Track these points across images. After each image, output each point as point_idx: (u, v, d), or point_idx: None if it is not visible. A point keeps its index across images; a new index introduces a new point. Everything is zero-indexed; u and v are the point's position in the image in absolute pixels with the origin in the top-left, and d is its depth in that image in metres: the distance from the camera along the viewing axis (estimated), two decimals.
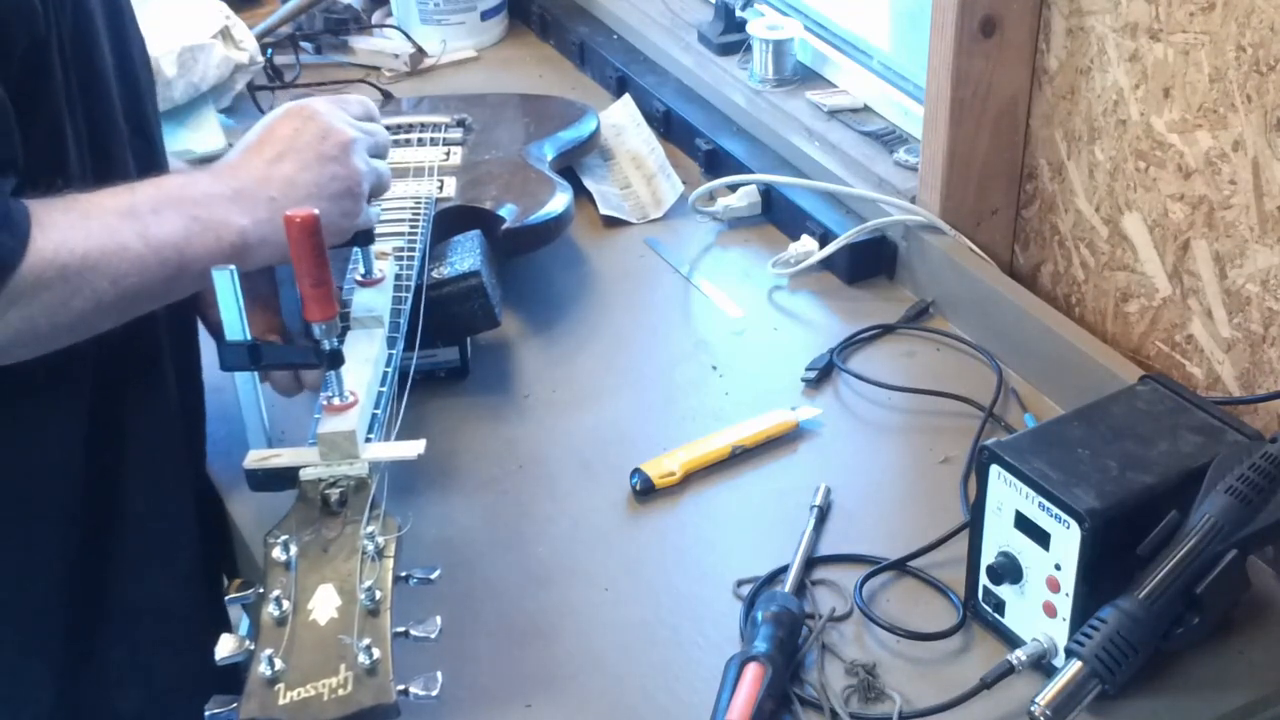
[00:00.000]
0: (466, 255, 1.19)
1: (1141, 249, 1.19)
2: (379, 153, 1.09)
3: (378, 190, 1.08)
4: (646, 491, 1.10)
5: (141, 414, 1.06)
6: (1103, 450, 0.93)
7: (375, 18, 1.82)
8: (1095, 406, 0.99)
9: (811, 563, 1.03)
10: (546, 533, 1.07)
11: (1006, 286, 1.27)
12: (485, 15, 1.81)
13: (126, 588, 1.08)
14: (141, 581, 1.09)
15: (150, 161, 1.04)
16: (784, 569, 1.02)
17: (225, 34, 1.59)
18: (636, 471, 1.11)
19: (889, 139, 1.43)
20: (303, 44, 1.76)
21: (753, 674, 0.90)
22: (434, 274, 1.16)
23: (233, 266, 0.91)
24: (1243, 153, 1.07)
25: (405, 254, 1.15)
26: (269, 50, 1.69)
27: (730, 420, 1.16)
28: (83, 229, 0.88)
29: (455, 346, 1.21)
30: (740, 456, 1.14)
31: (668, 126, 1.58)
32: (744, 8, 1.60)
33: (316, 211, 0.87)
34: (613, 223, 1.44)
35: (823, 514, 1.07)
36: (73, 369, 0.98)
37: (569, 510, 1.09)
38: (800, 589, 1.01)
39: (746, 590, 1.01)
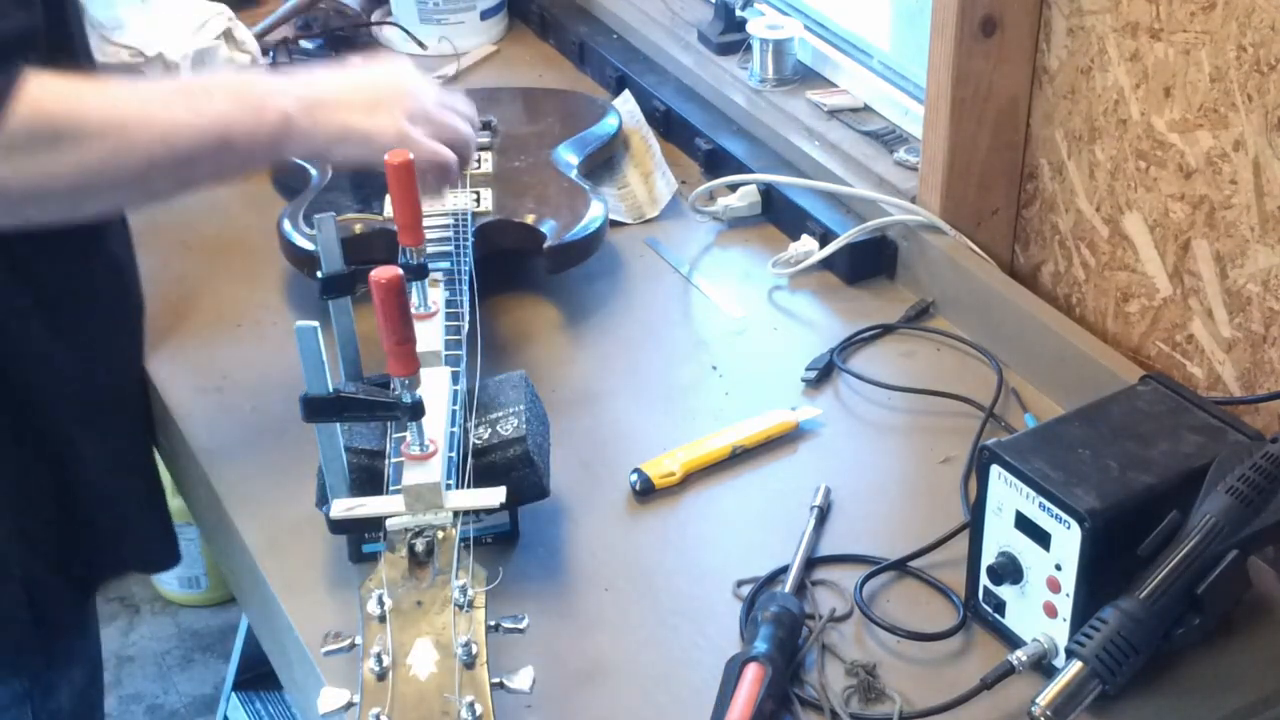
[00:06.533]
0: (511, 413, 1.03)
1: (1142, 249, 1.19)
2: (444, 136, 1.13)
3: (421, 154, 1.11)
4: (646, 491, 1.10)
5: None
6: (1103, 450, 0.93)
7: (375, 17, 1.82)
8: (1095, 406, 0.99)
9: (811, 563, 1.03)
10: (546, 533, 1.07)
11: (1007, 286, 1.27)
12: (485, 14, 1.80)
13: None
14: None
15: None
16: (784, 569, 1.02)
17: (228, 35, 1.59)
18: (636, 471, 1.10)
19: (889, 139, 1.43)
20: (302, 43, 1.76)
21: (753, 674, 0.90)
22: (477, 436, 1.01)
23: (316, 324, 0.89)
24: (1243, 152, 1.07)
25: (452, 278, 1.13)
26: (270, 50, 1.69)
27: (730, 420, 1.16)
28: (136, 94, 1.01)
29: (505, 512, 1.06)
30: (740, 456, 1.14)
31: (668, 126, 1.58)
32: (744, 7, 1.60)
33: (400, 273, 0.87)
34: (612, 222, 1.43)
35: (823, 514, 1.07)
36: None
37: (569, 510, 1.09)
38: (800, 589, 1.01)
39: (746, 590, 1.01)
